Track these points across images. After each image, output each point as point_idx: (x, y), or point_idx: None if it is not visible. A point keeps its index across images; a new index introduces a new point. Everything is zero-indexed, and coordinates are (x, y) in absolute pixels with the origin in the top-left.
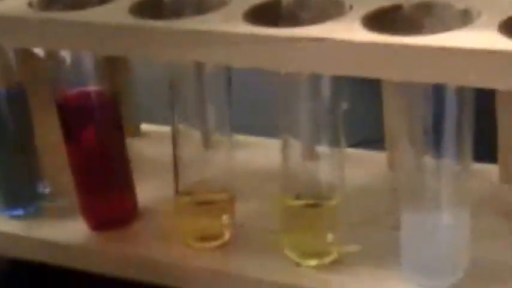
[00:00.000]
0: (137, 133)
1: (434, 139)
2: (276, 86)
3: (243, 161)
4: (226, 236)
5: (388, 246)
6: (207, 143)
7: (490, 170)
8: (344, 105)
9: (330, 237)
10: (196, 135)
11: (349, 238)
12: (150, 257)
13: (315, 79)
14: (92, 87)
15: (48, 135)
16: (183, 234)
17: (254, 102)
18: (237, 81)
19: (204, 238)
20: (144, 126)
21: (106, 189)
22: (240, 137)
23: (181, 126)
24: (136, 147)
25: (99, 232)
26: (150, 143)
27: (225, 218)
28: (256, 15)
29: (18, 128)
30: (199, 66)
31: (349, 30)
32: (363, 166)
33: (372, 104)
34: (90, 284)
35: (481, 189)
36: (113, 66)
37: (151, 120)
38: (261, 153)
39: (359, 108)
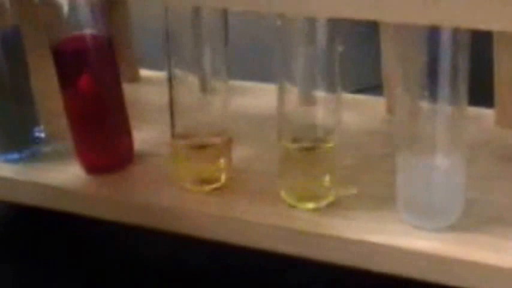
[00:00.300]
0: (136, 79)
1: (430, 83)
2: (272, 31)
3: (239, 106)
4: (223, 179)
5: (384, 189)
6: (204, 88)
7: (487, 115)
8: (340, 48)
9: (326, 180)
10: (193, 80)
11: (346, 181)
12: (146, 201)
13: (311, 23)
14: (88, 32)
15: (45, 80)
16: (180, 178)
17: (251, 48)
18: (234, 27)
19: (200, 181)
20: (143, 72)
21: (102, 134)
22: (237, 83)
23: (177, 71)
24: (134, 92)
25: (95, 176)
26: (148, 89)
27: (221, 161)
28: None
29: (14, 72)
30: (196, 11)
31: None
32: (362, 111)
33: (372, 51)
34: (86, 228)
35: (477, 133)
36: (110, 11)
37: (151, 66)
38: (257, 98)
39: (358, 55)
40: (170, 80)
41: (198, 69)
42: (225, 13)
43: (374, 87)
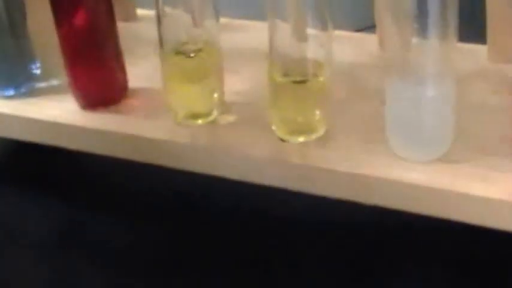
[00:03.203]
0: (132, 17)
1: (419, 17)
2: None
3: (231, 43)
4: (215, 113)
5: (375, 121)
6: (193, 23)
7: (480, 50)
8: None
9: (317, 113)
10: (183, 16)
11: (337, 114)
12: (140, 135)
13: None
14: None
15: (40, 16)
16: (173, 113)
17: None
18: None
19: (193, 116)
20: (140, 11)
21: (96, 69)
22: (227, 20)
23: (167, 9)
24: (130, 31)
25: (90, 111)
26: (144, 27)
27: (215, 95)
28: None
29: (9, 6)
30: None
31: None
32: (355, 47)
33: None
34: (81, 162)
35: (470, 68)
36: None
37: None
38: (248, 35)
39: None
40: (159, 18)
41: (186, 7)
42: None
43: (371, 28)
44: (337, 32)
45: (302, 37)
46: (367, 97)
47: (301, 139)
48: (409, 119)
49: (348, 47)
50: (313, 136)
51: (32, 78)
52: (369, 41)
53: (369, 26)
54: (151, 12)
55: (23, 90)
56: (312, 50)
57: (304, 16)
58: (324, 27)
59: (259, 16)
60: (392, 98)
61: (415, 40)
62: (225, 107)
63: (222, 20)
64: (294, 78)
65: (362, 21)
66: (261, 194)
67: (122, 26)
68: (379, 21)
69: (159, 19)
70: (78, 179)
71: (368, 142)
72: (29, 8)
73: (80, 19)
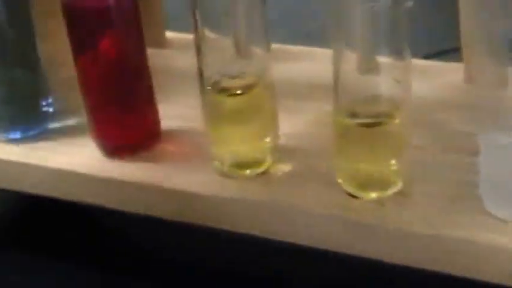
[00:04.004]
0: (162, 43)
1: None
2: None
3: (284, 75)
4: (268, 162)
5: (462, 173)
6: (239, 52)
7: None
8: (409, 3)
9: (393, 163)
10: (225, 42)
11: (417, 164)
12: (176, 189)
13: None
14: None
15: (53, 44)
16: (216, 161)
17: (298, 4)
18: None
19: (241, 165)
20: (171, 35)
21: (123, 109)
22: (279, 46)
23: (207, 33)
24: (160, 59)
25: (115, 158)
26: (177, 55)
27: (267, 140)
28: None
29: (18, 35)
30: None
31: None
32: (435, 79)
33: (447, 7)
34: (103, 221)
35: None
36: None
37: (178, 28)
38: (307, 65)
39: (430, 12)
40: (198, 44)
41: (231, 30)
42: None
43: (450, 51)
44: None
45: (374, 69)
46: (452, 143)
47: (373, 195)
48: (507, 172)
49: (423, 80)
50: (389, 191)
51: (44, 117)
52: (449, 71)
53: (442, 51)
54: (185, 37)
55: (32, 132)
56: (386, 85)
57: (376, 40)
58: (399, 56)
59: (320, 41)
60: (486, 146)
61: None
62: (280, 154)
63: (273, 46)
64: (364, 120)
65: (433, 45)
66: (327, 260)
67: (150, 54)
68: (466, 48)
69: (198, 46)
70: (100, 240)
71: (454, 199)
72: (41, 34)
73: (104, 48)
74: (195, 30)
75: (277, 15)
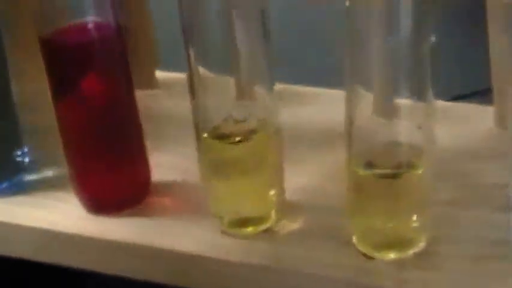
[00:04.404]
0: (151, 83)
1: None
2: (340, 16)
3: (291, 120)
4: (273, 218)
5: (496, 232)
6: (240, 93)
7: None
8: (431, 39)
9: (414, 219)
10: (223, 83)
11: (442, 221)
12: (170, 248)
13: (391, 4)
14: (93, 19)
15: (30, 86)
16: (215, 217)
17: (306, 41)
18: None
19: (243, 222)
20: (161, 74)
21: (109, 160)
22: (285, 86)
23: (202, 72)
24: (150, 102)
25: (100, 215)
26: (169, 97)
27: (271, 193)
28: None
29: None
30: None
31: None
32: (462, 123)
33: (476, 45)
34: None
35: None
36: None
37: (170, 67)
38: (317, 108)
39: (457, 50)
40: (192, 84)
41: (231, 70)
42: None
43: (479, 93)
44: None
45: (393, 112)
46: (483, 197)
47: (392, 255)
48: None
49: (450, 124)
50: (410, 251)
51: (18, 168)
52: (477, 115)
53: (473, 93)
54: (179, 77)
55: (7, 185)
56: (407, 131)
57: (396, 83)
58: (421, 97)
59: (333, 81)
60: None
61: None
62: (286, 209)
63: (279, 86)
64: (382, 170)
65: (461, 86)
66: None
67: (139, 96)
68: (497, 88)
69: (192, 87)
70: None
71: (483, 260)
72: (15, 74)
73: (87, 90)
74: (189, 69)
75: (284, 51)
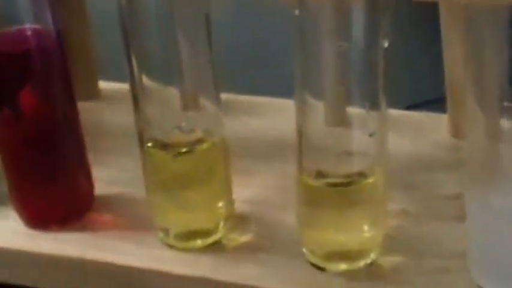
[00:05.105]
0: (94, 94)
1: None
2: (288, 23)
3: (239, 130)
4: (220, 231)
5: (451, 243)
6: (184, 103)
7: None
8: (384, 44)
9: (365, 229)
10: (167, 92)
11: (394, 231)
12: (113, 263)
13: (342, 11)
14: (30, 26)
15: None
16: (160, 231)
17: (253, 50)
18: (227, 20)
19: (189, 235)
20: (104, 85)
21: (49, 173)
22: (232, 96)
23: (146, 82)
24: (92, 114)
25: (40, 230)
26: (112, 108)
27: (219, 205)
28: None
29: None
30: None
31: None
32: (415, 132)
33: (427, 53)
34: None
35: None
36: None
37: (112, 77)
38: (265, 118)
39: (410, 57)
40: (135, 95)
41: (174, 80)
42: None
43: (433, 102)
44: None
45: (344, 121)
46: (435, 209)
47: (343, 266)
48: (500, 241)
49: (403, 133)
50: (361, 263)
51: None
52: (431, 124)
53: (423, 102)
54: (121, 87)
55: None
56: (359, 140)
57: (347, 91)
58: (374, 106)
59: (281, 91)
60: (475, 212)
61: (507, 130)
62: (235, 221)
63: (225, 96)
64: (333, 179)
65: (413, 95)
66: None
67: (81, 108)
68: (451, 98)
69: (135, 97)
70: None
71: (440, 271)
72: None
73: (25, 102)
74: (131, 78)
75: (230, 59)
